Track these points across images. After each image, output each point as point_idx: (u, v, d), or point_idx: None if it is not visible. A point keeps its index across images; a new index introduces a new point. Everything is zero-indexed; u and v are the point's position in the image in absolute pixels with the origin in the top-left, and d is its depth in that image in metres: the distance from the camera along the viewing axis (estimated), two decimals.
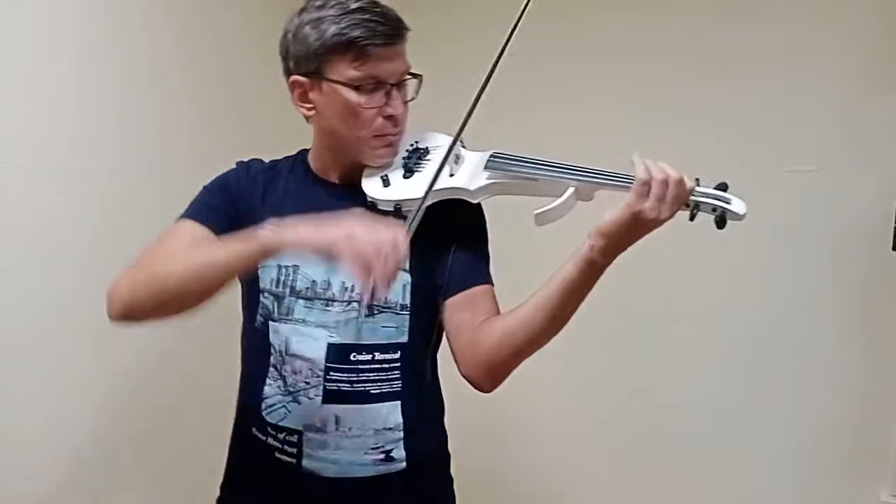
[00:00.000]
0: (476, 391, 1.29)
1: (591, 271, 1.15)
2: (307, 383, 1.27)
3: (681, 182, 1.09)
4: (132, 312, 1.21)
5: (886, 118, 1.92)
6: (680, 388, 2.14)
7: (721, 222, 1.11)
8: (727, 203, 1.11)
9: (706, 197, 1.12)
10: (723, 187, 1.13)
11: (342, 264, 1.08)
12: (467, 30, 2.13)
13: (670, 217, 1.10)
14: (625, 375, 2.20)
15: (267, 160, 1.39)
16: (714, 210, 1.12)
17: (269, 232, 1.13)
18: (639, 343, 2.18)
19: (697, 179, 1.13)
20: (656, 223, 1.10)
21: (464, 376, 1.29)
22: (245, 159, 1.39)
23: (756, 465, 2.05)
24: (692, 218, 1.13)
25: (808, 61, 1.99)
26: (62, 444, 1.67)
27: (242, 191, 1.32)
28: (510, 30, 1.15)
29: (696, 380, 2.12)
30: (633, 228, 1.10)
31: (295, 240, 1.12)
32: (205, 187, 1.33)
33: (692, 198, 1.11)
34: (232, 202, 1.30)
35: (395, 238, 1.08)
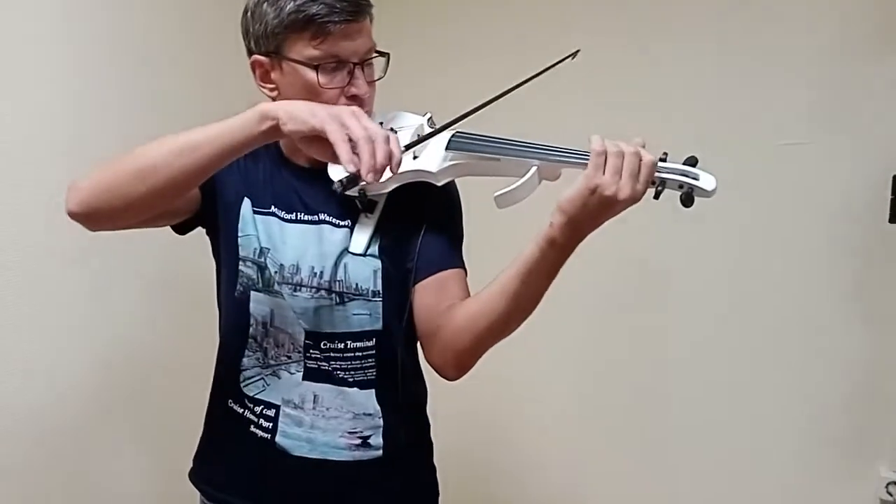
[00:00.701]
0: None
1: (553, 251, 1.09)
2: (289, 357, 1.26)
3: (636, 154, 1.03)
4: (96, 201, 1.13)
5: (880, 87, 1.83)
6: (673, 368, 2.09)
7: (687, 200, 1.04)
8: (695, 179, 1.04)
9: (671, 173, 1.05)
10: (691, 162, 1.06)
11: (329, 146, 1.07)
12: (434, 7, 1.99)
13: (633, 196, 1.04)
14: (613, 360, 2.16)
15: None
16: (681, 187, 1.05)
17: (267, 102, 1.12)
18: (627, 324, 2.13)
19: (665, 154, 1.07)
20: (618, 202, 1.04)
21: (429, 363, 1.27)
22: None
23: (754, 441, 2.00)
24: (657, 196, 1.06)
25: (799, 30, 1.90)
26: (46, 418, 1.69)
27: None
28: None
29: (691, 359, 2.07)
30: (594, 206, 1.05)
31: (288, 111, 1.09)
32: None
33: (656, 174, 1.05)
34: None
35: (388, 134, 1.08)
